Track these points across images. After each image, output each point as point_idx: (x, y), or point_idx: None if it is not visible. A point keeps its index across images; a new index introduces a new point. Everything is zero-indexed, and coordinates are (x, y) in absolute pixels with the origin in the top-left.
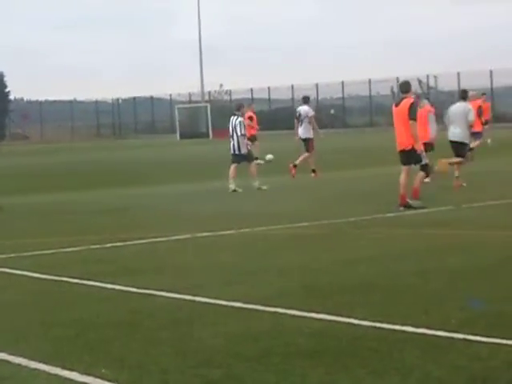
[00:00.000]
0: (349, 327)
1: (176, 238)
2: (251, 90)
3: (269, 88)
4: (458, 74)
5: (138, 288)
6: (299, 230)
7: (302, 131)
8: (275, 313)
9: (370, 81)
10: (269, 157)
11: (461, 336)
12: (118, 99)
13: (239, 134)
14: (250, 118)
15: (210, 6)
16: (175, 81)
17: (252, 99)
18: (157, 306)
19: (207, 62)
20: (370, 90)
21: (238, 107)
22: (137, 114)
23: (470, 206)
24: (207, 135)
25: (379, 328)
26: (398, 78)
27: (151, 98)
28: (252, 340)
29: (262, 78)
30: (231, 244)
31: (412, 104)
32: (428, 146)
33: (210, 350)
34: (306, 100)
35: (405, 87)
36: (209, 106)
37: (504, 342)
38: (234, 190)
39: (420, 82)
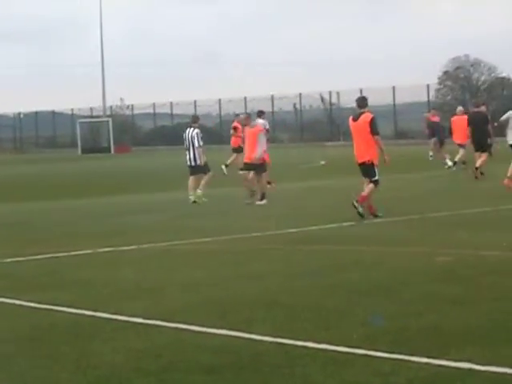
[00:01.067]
0: (250, 343)
1: (77, 253)
2: (153, 104)
3: (171, 103)
4: (361, 90)
5: (38, 303)
6: (202, 245)
7: None
8: (176, 328)
9: (272, 97)
10: None
11: (362, 352)
12: (19, 113)
13: (196, 145)
14: (235, 129)
15: (114, 20)
16: (77, 95)
17: (154, 114)
18: (57, 321)
19: (110, 76)
20: (273, 106)
21: (194, 119)
22: (38, 129)
23: (371, 222)
24: (109, 150)
25: (281, 344)
26: (300, 95)
27: (53, 112)
28: (153, 355)
29: (164, 93)
30: (133, 259)
31: (372, 119)
32: (251, 166)
33: (110, 365)
34: (260, 114)
35: (362, 102)
36: (110, 120)
37: (406, 358)
38: (194, 202)
39: (322, 98)
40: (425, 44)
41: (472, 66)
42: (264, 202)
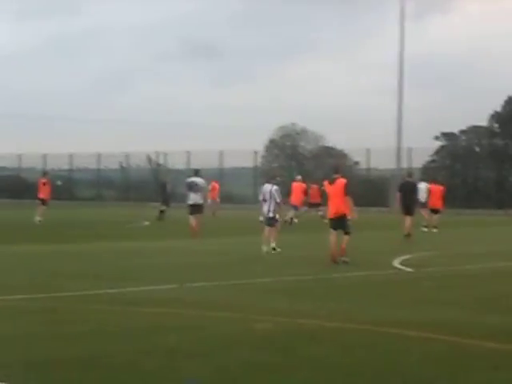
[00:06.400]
0: None
1: None
2: None
3: None
4: (188, 152)
5: None
6: (16, 302)
7: (197, 198)
8: None
9: (99, 154)
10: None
11: None
12: None
13: (277, 200)
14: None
15: None
16: None
17: None
18: None
19: None
20: (99, 164)
21: (273, 176)
22: None
23: (192, 286)
24: None
25: None
26: (127, 154)
27: None
28: None
29: None
30: None
31: (346, 183)
32: None
33: None
34: (197, 172)
35: (337, 169)
36: None
37: None
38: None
39: (150, 159)
40: (254, 110)
41: (298, 134)
42: None
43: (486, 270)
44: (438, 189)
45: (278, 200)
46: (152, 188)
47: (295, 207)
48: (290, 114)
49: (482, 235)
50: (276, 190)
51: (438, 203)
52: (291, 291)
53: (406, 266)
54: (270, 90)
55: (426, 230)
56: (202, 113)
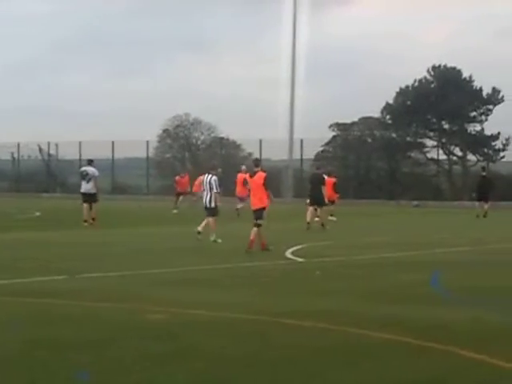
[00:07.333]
0: None
1: None
2: None
3: None
4: (80, 143)
5: None
6: None
7: (88, 187)
8: None
9: None
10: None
11: None
12: None
13: (214, 190)
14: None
15: None
16: None
17: None
18: None
19: None
20: None
21: (212, 167)
22: None
23: (84, 277)
24: None
25: None
26: (18, 144)
27: None
28: None
29: None
30: None
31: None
32: None
33: None
34: (90, 162)
35: (257, 162)
36: None
37: None
38: (215, 241)
39: (40, 149)
40: (145, 99)
41: (192, 124)
42: None
43: (378, 260)
44: (330, 181)
45: (215, 190)
46: (43, 179)
47: (241, 198)
48: (184, 105)
49: (374, 226)
50: (214, 180)
51: (331, 195)
52: (189, 282)
53: (298, 256)
54: (164, 81)
55: (317, 219)
56: (94, 102)
